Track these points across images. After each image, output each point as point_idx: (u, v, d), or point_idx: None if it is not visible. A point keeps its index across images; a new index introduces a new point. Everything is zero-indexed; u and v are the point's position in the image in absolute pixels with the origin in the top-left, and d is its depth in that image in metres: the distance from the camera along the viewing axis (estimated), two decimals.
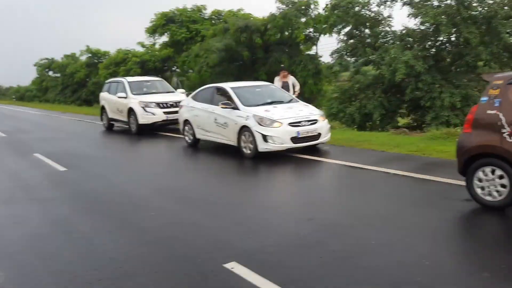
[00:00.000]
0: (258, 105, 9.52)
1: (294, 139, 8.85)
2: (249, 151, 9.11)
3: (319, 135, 9.17)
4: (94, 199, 6.73)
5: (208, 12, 30.37)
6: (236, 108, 9.54)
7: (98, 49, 42.30)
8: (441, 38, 15.22)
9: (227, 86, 10.40)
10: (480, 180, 5.09)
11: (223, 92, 10.23)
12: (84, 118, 22.68)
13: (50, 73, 54.05)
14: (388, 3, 17.00)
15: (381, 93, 15.30)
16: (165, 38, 31.58)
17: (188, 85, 25.11)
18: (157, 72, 33.19)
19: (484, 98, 5.13)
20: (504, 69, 14.20)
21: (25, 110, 36.65)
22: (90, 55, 42.37)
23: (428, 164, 7.53)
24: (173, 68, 36.18)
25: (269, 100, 9.99)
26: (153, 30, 29.52)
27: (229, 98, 9.85)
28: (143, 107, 14.09)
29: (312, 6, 21.45)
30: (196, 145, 11.04)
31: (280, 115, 9.04)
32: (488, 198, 5.05)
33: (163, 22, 28.69)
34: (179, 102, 14.39)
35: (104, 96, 16.50)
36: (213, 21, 30.23)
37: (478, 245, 4.42)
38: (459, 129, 9.62)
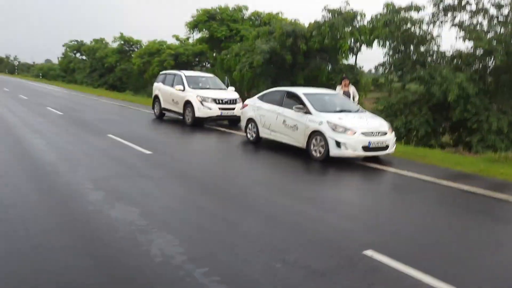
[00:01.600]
0: (329, 112, 10.17)
1: (365, 148, 9.47)
2: (319, 155, 9.71)
3: (387, 146, 9.80)
4: (200, 181, 7.44)
5: (248, 12, 31.13)
6: (308, 112, 10.19)
7: (131, 37, 43.22)
8: (489, 63, 15.90)
9: (299, 91, 11.03)
10: None
11: (294, 97, 10.88)
12: (125, 104, 23.44)
13: (77, 55, 55.15)
14: (438, 23, 17.72)
15: (427, 110, 15.97)
16: (201, 34, 32.40)
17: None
18: (189, 66, 34.02)
19: None
20: None
21: (59, 89, 37.49)
22: (122, 42, 43.27)
23: (498, 185, 8.12)
24: (204, 63, 37.00)
25: (338, 109, 10.65)
26: (194, 25, 30.26)
27: (301, 102, 10.50)
28: (200, 101, 14.79)
29: (358, 18, 22.10)
30: (258, 143, 11.67)
31: (353, 124, 9.66)
32: None
33: (205, 19, 29.44)
34: (234, 99, 15.23)
35: (158, 86, 17.21)
36: (251, 22, 30.98)
37: None
38: None
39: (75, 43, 53.59)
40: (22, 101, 22.71)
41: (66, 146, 10.29)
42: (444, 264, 4.51)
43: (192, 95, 15.05)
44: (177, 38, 36.15)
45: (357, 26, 22.25)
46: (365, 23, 22.12)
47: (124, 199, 6.14)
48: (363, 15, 22.00)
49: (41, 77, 64.31)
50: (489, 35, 16.15)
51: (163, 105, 16.78)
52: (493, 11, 16.74)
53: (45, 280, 3.83)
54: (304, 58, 23.56)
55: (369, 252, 4.65)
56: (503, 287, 4.14)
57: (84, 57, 52.51)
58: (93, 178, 7.28)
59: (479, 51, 15.81)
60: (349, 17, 21.59)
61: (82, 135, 11.97)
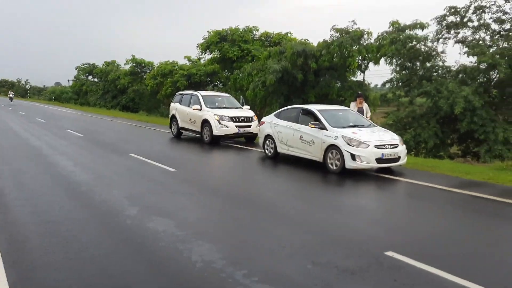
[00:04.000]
0: (344, 127, 10.75)
1: (379, 160, 10.00)
2: (335, 167, 10.25)
3: (399, 158, 10.32)
4: (228, 195, 8.02)
5: (258, 33, 31.98)
6: (324, 128, 10.75)
7: (143, 59, 44.29)
8: (493, 76, 16.47)
9: (314, 108, 11.61)
10: None
11: (310, 113, 11.46)
12: (141, 124, 24.18)
13: (89, 77, 56.56)
14: (442, 40, 18.44)
15: (436, 123, 16.51)
16: (212, 54, 33.22)
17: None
18: (201, 86, 34.82)
19: None
20: None
21: (73, 111, 38.40)
22: (134, 64, 44.36)
23: (508, 191, 8.52)
24: (216, 83, 37.78)
25: (351, 124, 11.21)
26: (206, 46, 31.11)
27: (316, 119, 11.07)
28: (218, 120, 15.44)
29: (365, 36, 22.77)
30: (276, 158, 12.22)
31: (366, 138, 10.22)
32: None
33: (217, 40, 30.29)
34: (250, 117, 15.87)
35: (175, 106, 17.90)
36: (261, 42, 31.78)
37: None
38: None
39: (87, 66, 55.00)
40: (41, 124, 23.46)
41: (94, 166, 10.89)
42: (459, 261, 5.01)
43: (209, 114, 15.71)
44: (189, 59, 37.01)
45: (364, 44, 22.87)
46: (372, 41, 22.81)
47: (159, 213, 6.66)
48: (370, 34, 22.67)
49: (54, 100, 65.73)
50: (492, 50, 16.74)
51: (180, 125, 17.46)
52: (494, 26, 17.40)
53: (109, 283, 4.36)
54: (314, 76, 24.17)
55: (391, 253, 5.13)
56: None
57: (96, 80, 53.85)
58: (126, 195, 7.83)
59: (483, 65, 16.37)
60: (356, 36, 22.24)
61: (106, 155, 12.62)
